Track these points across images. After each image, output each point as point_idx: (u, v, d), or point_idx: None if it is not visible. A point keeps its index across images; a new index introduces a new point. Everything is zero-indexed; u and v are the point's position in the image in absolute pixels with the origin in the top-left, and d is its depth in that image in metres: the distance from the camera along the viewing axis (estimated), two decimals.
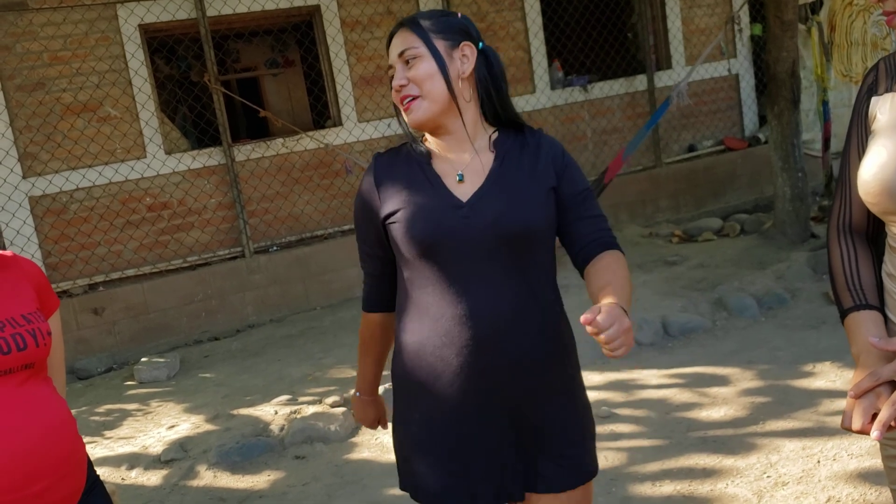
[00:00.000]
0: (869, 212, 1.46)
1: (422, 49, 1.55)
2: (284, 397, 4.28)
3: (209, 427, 4.05)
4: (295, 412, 4.03)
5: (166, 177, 5.96)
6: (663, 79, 7.58)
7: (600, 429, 3.51)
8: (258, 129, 9.36)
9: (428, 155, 1.62)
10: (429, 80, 1.54)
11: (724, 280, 5.24)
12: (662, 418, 3.60)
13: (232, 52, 9.86)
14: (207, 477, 3.59)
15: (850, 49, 6.79)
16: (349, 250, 6.05)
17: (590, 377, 4.09)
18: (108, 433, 4.21)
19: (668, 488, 3.00)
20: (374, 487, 3.29)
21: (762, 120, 7.96)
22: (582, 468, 1.62)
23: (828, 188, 6.71)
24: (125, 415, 4.47)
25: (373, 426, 1.95)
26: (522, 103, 7.05)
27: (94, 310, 5.65)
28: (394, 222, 1.56)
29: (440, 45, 1.56)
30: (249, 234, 6.12)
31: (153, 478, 3.64)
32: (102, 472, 3.62)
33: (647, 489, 3.02)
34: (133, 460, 3.78)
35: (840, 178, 1.53)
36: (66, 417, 1.53)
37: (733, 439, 3.31)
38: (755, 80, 8.05)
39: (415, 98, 1.55)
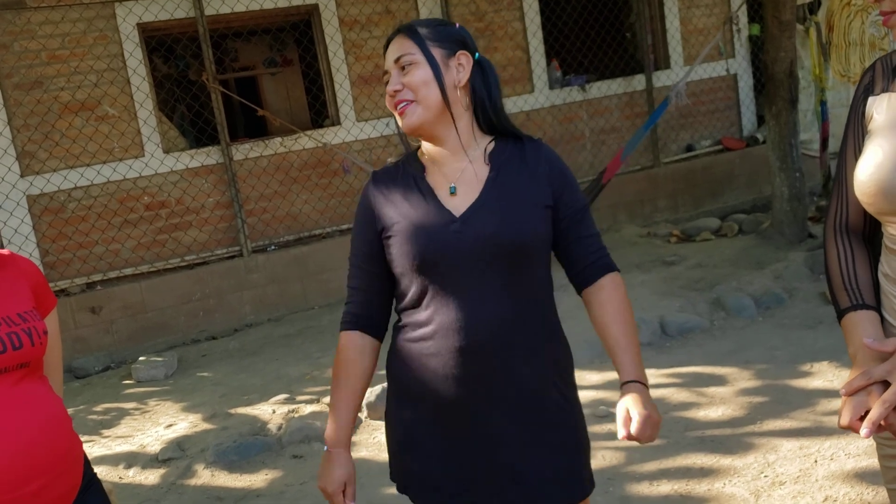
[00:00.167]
0: (866, 212, 1.46)
1: (418, 56, 1.56)
2: (282, 396, 4.28)
3: (207, 426, 4.04)
4: (292, 411, 4.02)
5: (164, 176, 5.96)
6: (661, 78, 7.58)
7: (598, 428, 3.51)
8: (256, 129, 9.35)
9: (422, 167, 1.62)
10: (424, 87, 1.55)
11: (722, 280, 5.24)
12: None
13: (230, 51, 9.86)
14: (205, 476, 3.59)
15: (848, 49, 6.80)
16: (347, 250, 5.99)
17: (588, 377, 4.09)
18: (105, 432, 4.20)
19: (665, 488, 3.00)
20: (371, 486, 3.29)
21: (760, 120, 7.97)
22: (570, 483, 1.60)
23: (825, 188, 6.72)
24: (122, 414, 4.47)
25: (336, 495, 1.60)
26: (521, 103, 7.05)
27: (92, 309, 5.65)
28: (389, 237, 1.58)
29: (436, 53, 1.57)
30: (247, 234, 6.12)
31: (150, 477, 3.64)
32: (100, 470, 3.61)
33: (644, 488, 3.02)
34: (130, 459, 3.78)
35: (837, 178, 1.53)
36: (61, 416, 1.52)
37: (731, 439, 3.31)
38: (753, 80, 8.06)
39: (409, 103, 1.56)
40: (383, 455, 3.55)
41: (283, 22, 7.71)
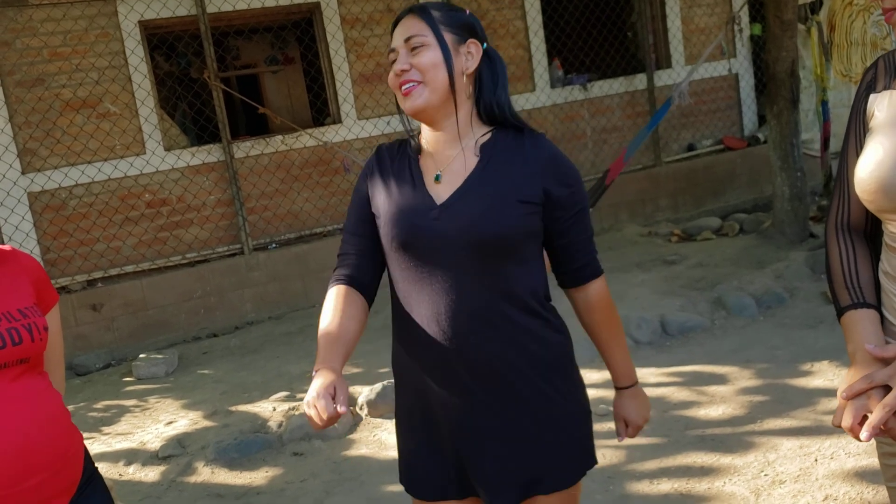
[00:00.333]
0: (867, 210, 1.46)
1: (430, 38, 1.54)
2: (283, 394, 4.28)
3: (207, 423, 4.05)
4: (293, 409, 4.03)
5: (165, 173, 5.96)
6: (663, 78, 7.58)
7: (598, 427, 3.50)
8: (258, 127, 9.35)
9: (418, 150, 1.63)
10: (432, 70, 1.53)
11: (723, 279, 5.24)
12: (660, 416, 3.61)
13: (232, 49, 9.85)
14: (205, 473, 3.59)
15: (850, 49, 6.80)
16: None
17: (588, 375, 4.06)
18: (105, 429, 4.21)
19: (665, 486, 3.00)
20: (371, 484, 3.29)
21: (761, 119, 7.96)
22: (556, 475, 1.60)
23: (826, 188, 6.72)
24: (123, 411, 4.47)
25: (321, 397, 1.36)
26: (522, 101, 7.05)
27: (93, 306, 5.65)
28: (377, 216, 1.61)
29: (448, 37, 1.55)
30: (248, 231, 6.12)
31: (151, 474, 3.64)
32: (100, 467, 3.60)
33: (644, 487, 3.02)
34: (131, 456, 3.78)
35: (838, 176, 1.53)
36: (60, 411, 1.53)
37: (731, 438, 3.31)
38: (755, 80, 8.05)
39: (416, 84, 1.54)
40: (383, 452, 3.56)
41: (284, 20, 7.70)
